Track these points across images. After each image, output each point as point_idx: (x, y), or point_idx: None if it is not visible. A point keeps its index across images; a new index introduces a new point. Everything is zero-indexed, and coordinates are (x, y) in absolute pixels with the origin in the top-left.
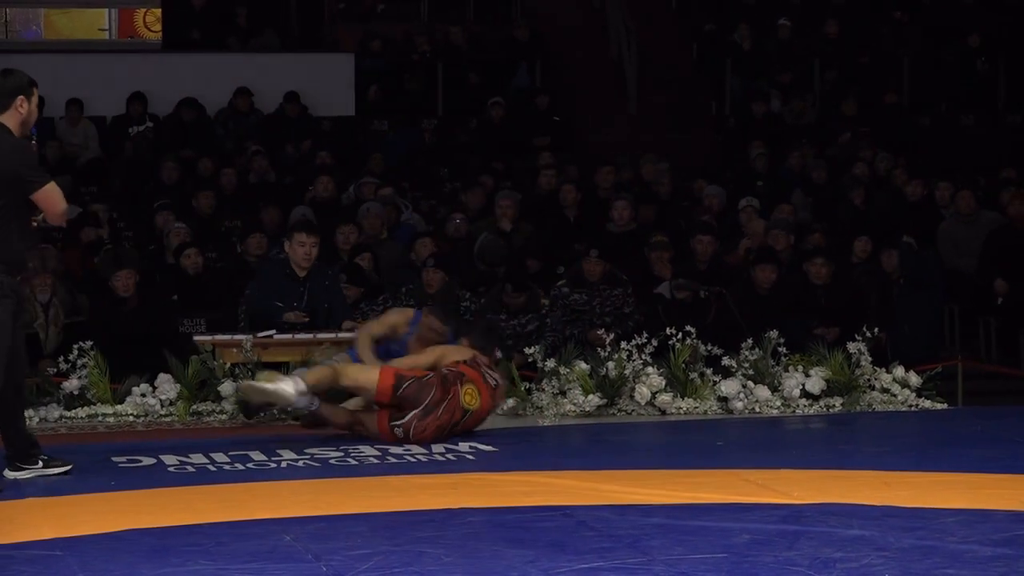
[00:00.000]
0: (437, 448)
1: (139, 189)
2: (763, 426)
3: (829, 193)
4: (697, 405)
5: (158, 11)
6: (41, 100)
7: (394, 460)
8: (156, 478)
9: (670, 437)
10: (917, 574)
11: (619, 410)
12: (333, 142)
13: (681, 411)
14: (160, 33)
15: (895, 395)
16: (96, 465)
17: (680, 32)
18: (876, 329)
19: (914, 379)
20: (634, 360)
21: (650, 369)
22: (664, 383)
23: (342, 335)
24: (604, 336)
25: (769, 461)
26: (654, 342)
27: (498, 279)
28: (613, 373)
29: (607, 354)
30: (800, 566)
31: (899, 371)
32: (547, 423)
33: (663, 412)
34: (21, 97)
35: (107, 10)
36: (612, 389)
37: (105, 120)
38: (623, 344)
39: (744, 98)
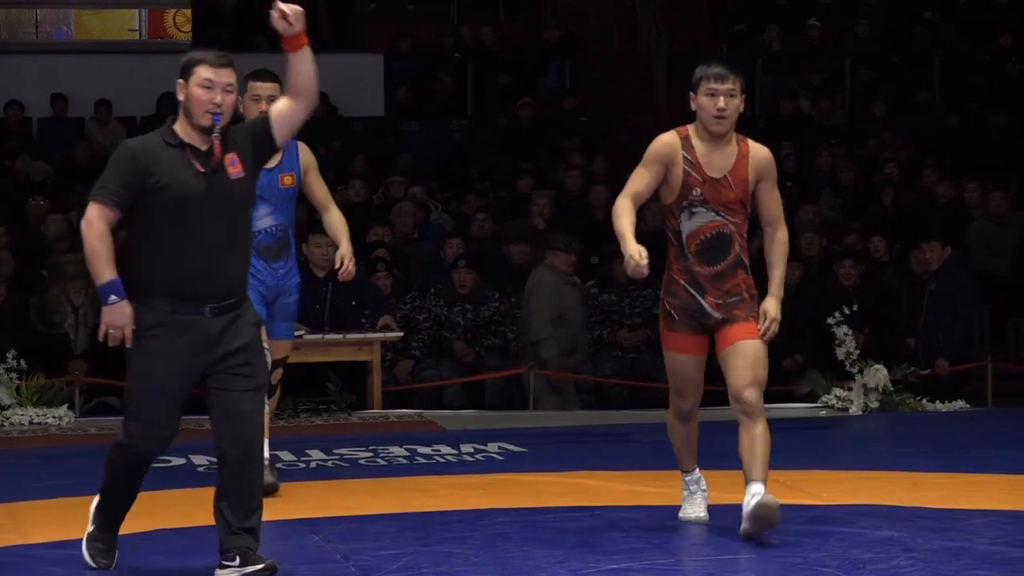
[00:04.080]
0: (466, 448)
1: None
2: (790, 428)
3: (858, 193)
4: None
5: (188, 12)
6: (167, 97)
7: (423, 460)
8: (185, 478)
9: (699, 438)
10: (947, 575)
11: None
12: (363, 143)
13: None
14: (190, 34)
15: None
16: None
17: (711, 32)
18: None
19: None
20: None
21: None
22: None
23: (376, 335)
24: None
25: (797, 462)
26: None
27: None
28: None
29: None
30: (829, 567)
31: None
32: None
33: None
34: (180, 80)
35: (137, 11)
36: None
37: (135, 120)
38: None
39: (774, 98)
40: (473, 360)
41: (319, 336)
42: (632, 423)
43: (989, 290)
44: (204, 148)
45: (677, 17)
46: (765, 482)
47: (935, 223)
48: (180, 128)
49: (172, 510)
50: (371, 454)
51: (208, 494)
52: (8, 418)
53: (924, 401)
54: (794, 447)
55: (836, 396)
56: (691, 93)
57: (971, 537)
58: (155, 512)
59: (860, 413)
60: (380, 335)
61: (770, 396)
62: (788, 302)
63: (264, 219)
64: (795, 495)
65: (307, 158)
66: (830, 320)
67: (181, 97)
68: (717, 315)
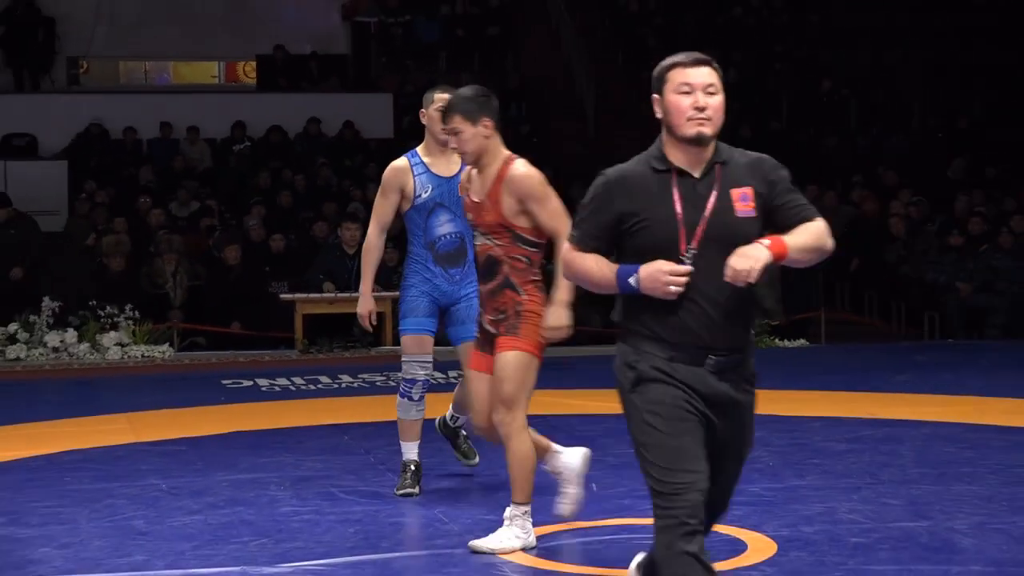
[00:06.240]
0: (452, 373)
1: (240, 190)
2: None
3: None
4: None
5: (254, 63)
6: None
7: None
8: (253, 395)
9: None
10: (793, 463)
11: None
12: (377, 156)
13: None
14: (255, 79)
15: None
16: (210, 386)
17: (627, 78)
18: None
19: None
20: None
21: None
22: None
23: (389, 293)
24: None
25: None
26: None
27: None
28: None
29: None
30: None
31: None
32: None
33: None
34: (655, 96)
35: (217, 62)
36: None
37: (215, 141)
38: None
39: None
40: None
41: (348, 294)
42: (572, 355)
43: (823, 261)
44: (697, 175)
45: (602, 68)
46: (519, 503)
47: None
48: (669, 148)
49: (243, 418)
50: (385, 378)
51: (269, 407)
52: (127, 352)
53: (776, 340)
54: None
55: None
56: None
57: (810, 436)
58: (231, 420)
59: None
60: (393, 293)
61: None
62: None
63: (444, 226)
64: None
65: None
66: None
67: (660, 114)
68: (492, 331)
